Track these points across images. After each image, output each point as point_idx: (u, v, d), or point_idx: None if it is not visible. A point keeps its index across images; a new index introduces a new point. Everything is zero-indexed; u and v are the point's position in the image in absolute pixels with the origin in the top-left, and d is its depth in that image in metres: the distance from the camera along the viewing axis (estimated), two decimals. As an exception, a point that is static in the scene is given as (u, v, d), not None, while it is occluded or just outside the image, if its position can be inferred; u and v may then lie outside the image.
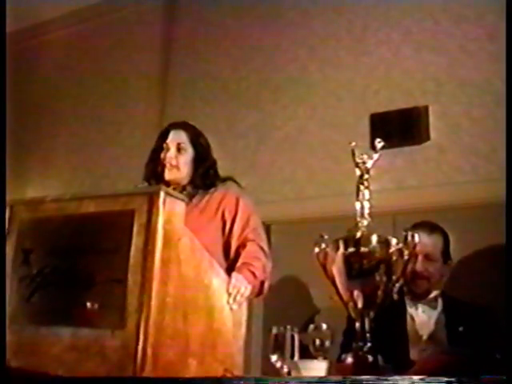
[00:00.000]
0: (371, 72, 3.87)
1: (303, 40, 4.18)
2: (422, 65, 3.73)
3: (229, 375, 1.56)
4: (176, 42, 4.75)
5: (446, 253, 2.67)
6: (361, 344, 1.57)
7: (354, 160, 1.70)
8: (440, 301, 2.62)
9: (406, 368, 1.74)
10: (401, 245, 1.62)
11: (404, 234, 1.62)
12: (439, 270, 2.63)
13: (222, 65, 4.44)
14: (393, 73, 3.80)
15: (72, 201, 1.63)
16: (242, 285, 2.08)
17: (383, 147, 1.72)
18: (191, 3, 4.76)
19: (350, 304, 1.60)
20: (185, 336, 1.48)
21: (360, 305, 1.58)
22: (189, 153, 2.66)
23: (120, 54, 4.95)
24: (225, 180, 2.73)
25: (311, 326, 1.97)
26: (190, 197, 2.54)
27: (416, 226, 2.48)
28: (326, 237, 1.68)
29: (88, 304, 1.46)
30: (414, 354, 2.46)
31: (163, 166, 2.62)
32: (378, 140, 1.72)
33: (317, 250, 1.67)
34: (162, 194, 1.47)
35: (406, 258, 1.62)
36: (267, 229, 4.01)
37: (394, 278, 1.61)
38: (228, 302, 1.75)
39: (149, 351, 1.37)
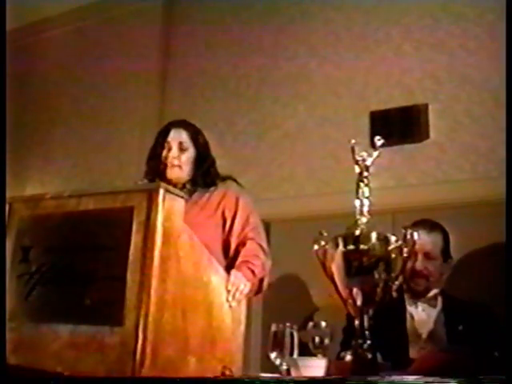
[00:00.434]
0: (371, 70, 3.87)
1: (303, 38, 4.17)
2: (422, 63, 3.73)
3: (228, 372, 1.56)
4: (175, 40, 4.75)
5: (445, 251, 2.67)
6: (360, 342, 1.57)
7: (354, 158, 1.70)
8: (440, 299, 2.62)
9: (404, 366, 1.74)
10: (400, 242, 1.62)
11: (403, 231, 1.62)
12: (439, 268, 2.63)
13: (222, 62, 4.43)
14: (393, 71, 3.80)
15: (71, 198, 1.62)
16: (241, 282, 2.08)
17: (383, 145, 1.72)
18: (190, 1, 4.76)
19: (349, 301, 1.60)
20: (184, 333, 1.48)
21: (359, 302, 1.58)
22: (190, 152, 2.66)
23: (119, 52, 4.94)
24: (225, 179, 2.73)
25: (310, 324, 1.98)
26: (190, 193, 2.54)
27: (416, 224, 2.48)
28: (325, 234, 1.68)
29: (87, 301, 1.46)
30: (413, 352, 2.46)
31: (165, 165, 2.62)
32: (378, 138, 1.72)
33: (316, 247, 1.67)
34: (161, 191, 1.47)
35: (405, 255, 1.62)
36: (266, 226, 4.01)
37: (393, 275, 1.61)
38: (227, 300, 1.75)
39: (148, 348, 1.37)
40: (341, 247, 1.62)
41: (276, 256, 3.89)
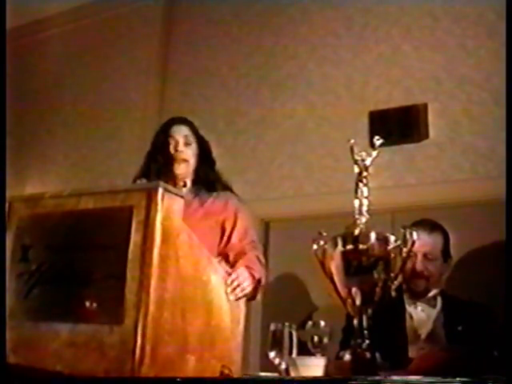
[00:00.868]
0: (370, 69, 3.87)
1: (303, 37, 4.18)
2: (422, 62, 3.73)
3: (227, 372, 1.56)
4: (175, 39, 4.75)
5: (445, 251, 2.67)
6: (359, 341, 1.57)
7: (353, 157, 1.70)
8: (439, 299, 2.62)
9: (404, 366, 1.74)
10: (399, 242, 1.62)
11: (402, 231, 1.62)
12: (439, 268, 2.63)
13: (221, 62, 4.44)
14: (392, 70, 3.80)
15: (71, 197, 1.63)
16: (245, 280, 2.09)
17: (382, 145, 1.72)
18: (190, 0, 4.76)
19: (348, 301, 1.60)
20: (183, 332, 1.48)
21: (358, 302, 1.58)
22: (193, 147, 2.66)
23: (119, 51, 4.94)
24: (226, 187, 2.72)
25: (309, 323, 1.98)
26: (192, 194, 2.55)
27: (416, 224, 2.48)
28: (324, 234, 1.68)
29: (86, 300, 1.46)
30: (412, 352, 2.46)
31: (172, 160, 2.61)
32: (377, 137, 1.72)
33: (315, 246, 1.67)
34: (160, 190, 1.47)
35: (404, 255, 1.62)
36: (266, 226, 4.02)
37: (392, 275, 1.61)
38: (226, 292, 1.75)
39: (147, 347, 1.37)
40: (340, 247, 1.62)
41: (275, 255, 3.92)
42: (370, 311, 1.59)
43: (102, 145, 4.74)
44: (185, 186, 2.61)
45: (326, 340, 1.95)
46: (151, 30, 4.83)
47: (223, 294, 1.65)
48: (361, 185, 1.66)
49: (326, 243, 1.66)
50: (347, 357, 1.57)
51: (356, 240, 1.60)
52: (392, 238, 1.62)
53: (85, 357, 1.43)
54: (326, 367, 1.82)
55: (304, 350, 1.93)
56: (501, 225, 2.63)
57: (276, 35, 4.28)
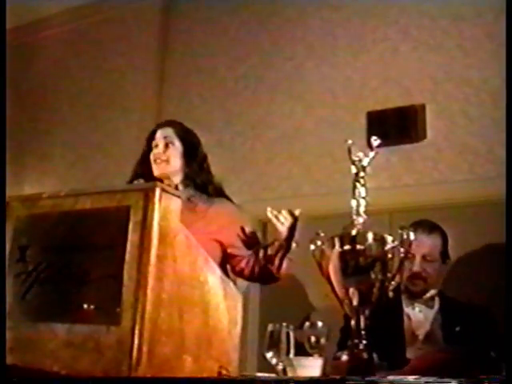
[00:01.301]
0: (368, 70, 3.88)
1: (300, 38, 4.18)
2: (420, 63, 3.74)
3: (224, 372, 1.56)
4: (173, 40, 4.75)
5: (444, 252, 2.67)
6: (356, 342, 1.57)
7: (351, 158, 1.70)
8: (437, 300, 2.62)
9: (401, 366, 1.74)
10: (397, 243, 1.62)
11: (400, 231, 1.62)
12: (437, 270, 2.63)
13: (219, 62, 4.44)
14: (390, 71, 3.81)
15: (68, 197, 1.62)
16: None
17: (379, 145, 1.72)
18: (188, 1, 4.76)
19: (346, 301, 1.60)
20: (180, 333, 1.48)
21: (355, 302, 1.58)
22: (177, 146, 2.64)
23: (117, 52, 4.95)
24: (218, 190, 2.69)
25: (307, 324, 1.98)
26: (185, 197, 2.51)
27: (415, 226, 2.48)
28: (321, 234, 1.68)
29: (83, 300, 1.46)
30: (410, 353, 2.46)
31: (152, 163, 2.62)
32: (375, 138, 1.72)
33: (312, 247, 1.67)
34: (157, 191, 1.47)
35: (401, 255, 1.62)
36: (263, 226, 4.02)
37: (389, 275, 1.61)
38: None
39: (144, 347, 1.36)
40: (337, 247, 1.62)
41: (273, 256, 3.91)
42: (367, 312, 1.59)
43: (99, 145, 4.75)
44: (176, 189, 2.58)
45: (323, 340, 1.95)
46: (149, 30, 4.83)
47: (220, 294, 1.65)
48: (358, 185, 1.66)
49: (323, 244, 1.66)
50: (344, 357, 1.57)
51: (353, 240, 1.60)
52: (389, 239, 1.62)
53: (82, 357, 1.43)
54: (324, 368, 1.82)
55: (301, 351, 1.93)
56: (498, 225, 2.64)
57: (274, 36, 4.29)
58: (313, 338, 1.95)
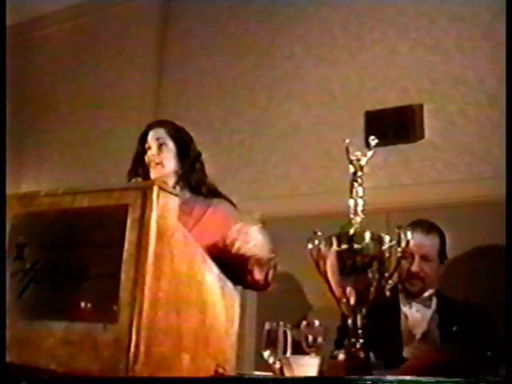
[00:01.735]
0: (366, 70, 3.88)
1: (298, 37, 4.18)
2: (417, 63, 3.74)
3: (221, 370, 1.56)
4: (171, 38, 4.75)
5: (442, 252, 2.67)
6: (353, 341, 1.57)
7: (348, 157, 1.70)
8: (434, 300, 2.63)
9: (398, 365, 1.74)
10: (394, 242, 1.62)
11: (397, 231, 1.62)
12: (435, 269, 2.63)
13: (217, 61, 4.44)
14: (388, 71, 3.81)
15: (66, 195, 1.62)
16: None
17: (377, 145, 1.72)
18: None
19: (343, 300, 1.61)
20: (177, 331, 1.48)
21: (352, 301, 1.59)
22: (170, 147, 2.61)
23: (115, 50, 4.94)
24: (212, 191, 2.66)
25: (304, 323, 1.98)
26: (186, 208, 2.48)
27: (413, 225, 2.48)
28: (319, 233, 1.68)
29: (81, 298, 1.46)
30: (407, 352, 2.47)
31: (147, 166, 2.60)
32: (372, 137, 1.72)
33: (310, 246, 1.67)
34: (155, 189, 1.46)
35: (398, 255, 1.62)
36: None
37: (386, 275, 1.61)
38: None
39: (141, 346, 1.36)
40: (335, 246, 1.62)
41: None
42: (364, 311, 1.59)
43: (97, 143, 4.74)
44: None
45: (320, 339, 1.95)
46: (147, 29, 4.83)
47: (218, 293, 1.65)
48: (356, 185, 1.67)
49: (320, 243, 1.66)
50: (341, 356, 1.58)
51: (351, 240, 1.61)
52: (387, 238, 1.62)
53: (79, 355, 1.43)
54: (321, 366, 1.82)
55: (298, 350, 1.94)
56: (495, 225, 2.64)
57: (272, 35, 4.29)
58: (310, 337, 1.95)
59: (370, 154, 1.69)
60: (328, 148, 3.77)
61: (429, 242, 2.61)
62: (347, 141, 1.70)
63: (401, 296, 2.64)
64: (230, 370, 1.64)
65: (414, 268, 2.58)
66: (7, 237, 1.65)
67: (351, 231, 1.62)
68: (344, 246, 1.61)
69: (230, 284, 1.78)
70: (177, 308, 1.49)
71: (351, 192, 1.66)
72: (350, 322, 1.60)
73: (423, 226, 2.63)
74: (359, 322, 1.59)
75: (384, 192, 3.41)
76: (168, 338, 1.46)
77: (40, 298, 1.55)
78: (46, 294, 1.54)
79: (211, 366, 1.58)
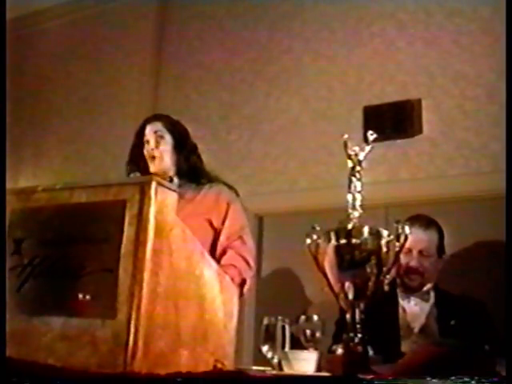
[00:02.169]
0: (365, 65, 3.88)
1: (297, 32, 4.18)
2: (416, 58, 3.74)
3: (220, 365, 1.57)
4: (169, 33, 4.74)
5: (440, 247, 2.68)
6: (351, 335, 1.57)
7: (347, 152, 1.70)
8: (432, 294, 2.63)
9: (396, 360, 1.74)
10: (392, 237, 1.62)
11: (395, 225, 1.62)
12: (433, 264, 2.64)
13: (216, 56, 4.43)
14: (386, 66, 3.81)
15: (63, 191, 1.62)
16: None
17: (376, 139, 1.72)
18: (185, -6, 4.75)
19: (341, 295, 1.60)
20: (176, 326, 1.48)
21: (351, 296, 1.58)
22: (167, 140, 2.67)
23: (113, 45, 4.93)
24: (212, 180, 2.72)
25: (302, 317, 1.98)
26: (181, 193, 2.53)
27: (412, 221, 2.48)
28: (317, 228, 1.68)
29: (79, 293, 1.46)
30: (405, 346, 2.47)
31: (147, 160, 2.64)
32: (371, 132, 1.72)
33: (308, 241, 1.67)
34: (153, 184, 1.46)
35: (397, 249, 1.62)
36: (260, 220, 4.03)
37: (385, 269, 1.61)
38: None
39: (140, 341, 1.36)
40: (333, 241, 1.62)
41: (269, 250, 3.93)
42: (362, 305, 1.59)
43: (95, 139, 4.74)
44: (171, 181, 2.61)
45: (318, 334, 1.96)
46: (145, 24, 4.82)
47: (216, 288, 1.65)
48: (354, 179, 1.66)
49: (319, 237, 1.66)
50: (340, 351, 1.58)
51: (349, 234, 1.60)
52: (385, 233, 1.62)
53: (77, 350, 1.43)
54: (319, 361, 1.82)
55: (297, 344, 1.94)
56: (493, 220, 2.65)
57: (270, 30, 4.28)
58: (308, 332, 1.95)
59: (368, 148, 1.69)
60: (326, 143, 3.77)
61: (427, 237, 2.62)
62: (345, 136, 1.70)
63: (399, 290, 2.65)
64: (229, 365, 1.64)
65: (413, 263, 2.58)
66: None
67: (349, 226, 1.61)
68: (342, 241, 1.61)
69: (228, 279, 1.78)
70: (175, 303, 1.49)
71: (349, 187, 1.66)
72: (348, 316, 1.60)
73: (421, 220, 2.63)
74: (357, 317, 1.59)
75: (382, 187, 3.41)
76: (166, 333, 1.46)
77: (38, 294, 1.55)
78: (44, 290, 1.54)
79: (210, 361, 1.58)
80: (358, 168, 1.67)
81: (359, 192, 1.65)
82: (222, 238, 2.61)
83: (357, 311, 1.59)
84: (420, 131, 3.60)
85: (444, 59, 3.65)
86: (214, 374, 1.51)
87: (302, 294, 3.68)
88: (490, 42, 3.50)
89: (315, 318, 1.99)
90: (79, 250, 1.51)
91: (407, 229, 1.61)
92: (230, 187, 2.74)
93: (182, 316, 1.51)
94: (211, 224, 2.62)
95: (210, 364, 1.58)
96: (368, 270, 1.59)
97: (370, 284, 1.58)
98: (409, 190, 3.52)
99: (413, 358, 1.69)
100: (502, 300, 1.94)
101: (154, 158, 2.63)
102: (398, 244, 1.62)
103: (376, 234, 1.61)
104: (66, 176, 4.63)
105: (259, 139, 4.11)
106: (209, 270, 1.64)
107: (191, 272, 1.57)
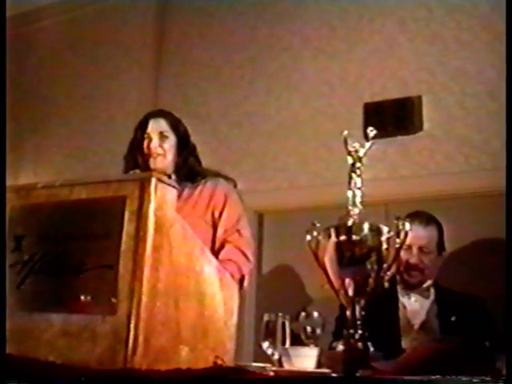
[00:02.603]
0: (365, 61, 3.87)
1: (297, 29, 4.17)
2: (416, 55, 3.74)
3: (220, 362, 1.57)
4: (169, 30, 4.73)
5: (440, 244, 2.68)
6: (351, 332, 1.57)
7: (347, 148, 1.69)
8: (432, 290, 2.63)
9: (396, 356, 1.74)
10: (392, 233, 1.62)
11: (396, 222, 1.62)
12: (434, 261, 2.64)
13: (216, 53, 4.43)
14: (387, 62, 3.81)
15: (63, 187, 1.62)
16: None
17: (376, 136, 1.72)
18: (185, -9, 4.75)
19: (341, 292, 1.60)
20: (176, 322, 1.48)
21: (351, 292, 1.58)
22: (171, 139, 2.67)
23: (113, 42, 4.93)
24: (213, 175, 2.73)
25: (302, 314, 1.98)
26: (180, 189, 2.54)
27: (412, 217, 2.48)
28: (317, 225, 1.67)
29: (79, 290, 1.46)
30: (405, 342, 2.48)
31: (147, 156, 2.63)
32: (371, 129, 1.72)
33: (308, 237, 1.67)
34: (153, 181, 1.46)
35: (397, 246, 1.62)
36: (260, 217, 4.03)
37: (385, 266, 1.61)
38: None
39: (140, 337, 1.36)
40: (333, 238, 1.62)
41: (269, 247, 3.93)
42: (362, 302, 1.59)
43: (95, 136, 4.74)
44: (169, 178, 2.61)
45: (318, 331, 1.96)
46: (145, 21, 4.81)
47: (216, 285, 1.65)
48: (354, 176, 1.66)
49: (319, 234, 1.66)
50: (340, 347, 1.57)
51: (349, 231, 1.60)
52: (385, 229, 1.62)
53: (78, 347, 1.43)
54: (319, 358, 1.82)
55: (297, 341, 1.94)
56: (493, 217, 2.65)
57: (271, 27, 4.28)
58: (308, 328, 1.96)
59: (368, 145, 1.69)
60: (327, 140, 3.77)
61: (427, 234, 2.62)
62: (346, 132, 1.70)
63: (399, 287, 2.65)
64: (229, 362, 1.64)
65: (413, 259, 2.58)
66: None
67: (350, 222, 1.61)
68: (342, 238, 1.60)
69: (228, 275, 1.78)
70: (175, 300, 1.49)
71: (350, 183, 1.65)
72: (348, 313, 1.59)
73: (422, 217, 2.63)
74: (358, 313, 1.58)
75: (383, 183, 3.41)
76: (166, 329, 1.46)
77: (38, 290, 1.55)
78: (45, 286, 1.54)
79: (210, 357, 1.58)
80: (358, 164, 1.67)
81: (359, 189, 1.65)
82: (220, 231, 2.60)
83: (357, 308, 1.59)
84: (420, 128, 3.60)
85: (445, 56, 3.65)
86: (214, 371, 1.51)
87: (303, 290, 3.68)
88: (490, 38, 3.50)
89: (315, 314, 1.99)
90: (79, 247, 1.51)
91: (407, 225, 1.60)
92: (227, 178, 2.74)
93: (183, 312, 1.51)
94: (210, 220, 2.61)
95: (210, 360, 1.58)
96: (368, 266, 1.58)
97: (371, 280, 1.58)
98: (409, 186, 3.52)
99: (413, 354, 1.69)
100: (502, 297, 1.94)
101: (156, 154, 2.62)
102: (398, 240, 1.61)
103: (376, 231, 1.61)
104: (66, 173, 4.63)
105: (259, 136, 4.11)
106: (209, 267, 1.64)
107: (191, 268, 1.57)
